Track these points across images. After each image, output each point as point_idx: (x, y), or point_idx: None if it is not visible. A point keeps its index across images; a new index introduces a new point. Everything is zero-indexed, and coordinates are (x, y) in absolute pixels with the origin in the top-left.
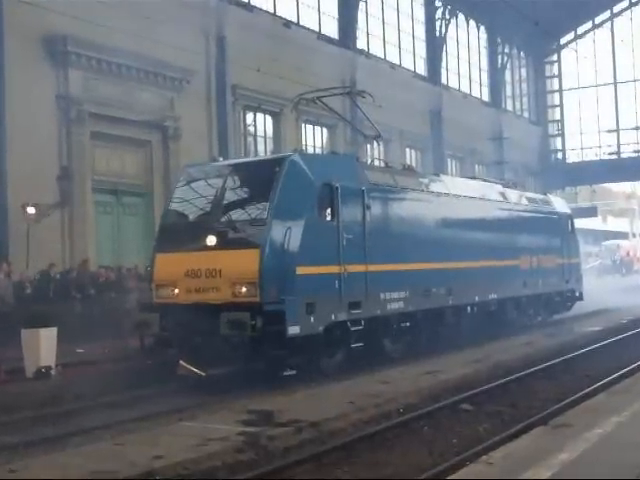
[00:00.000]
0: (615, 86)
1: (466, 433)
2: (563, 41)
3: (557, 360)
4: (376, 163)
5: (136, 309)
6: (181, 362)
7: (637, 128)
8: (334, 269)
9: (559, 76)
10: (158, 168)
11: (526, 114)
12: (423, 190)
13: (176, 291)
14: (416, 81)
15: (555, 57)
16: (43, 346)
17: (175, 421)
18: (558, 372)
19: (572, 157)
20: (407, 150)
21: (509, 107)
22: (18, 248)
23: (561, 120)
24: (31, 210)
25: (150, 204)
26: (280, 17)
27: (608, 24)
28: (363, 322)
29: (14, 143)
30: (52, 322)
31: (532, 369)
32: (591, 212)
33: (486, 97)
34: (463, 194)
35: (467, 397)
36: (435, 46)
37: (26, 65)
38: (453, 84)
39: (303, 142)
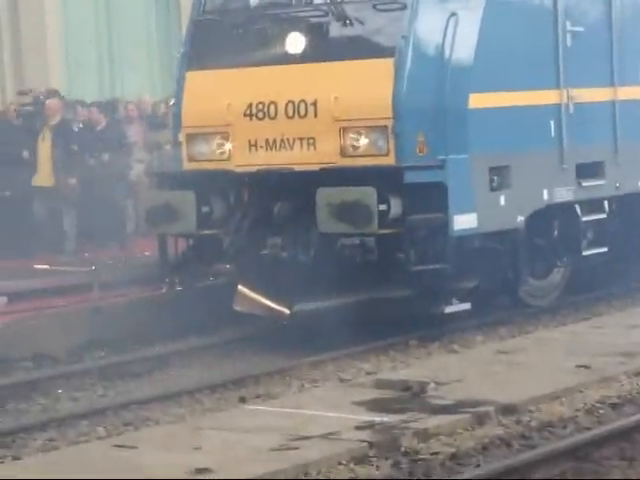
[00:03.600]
0: None
1: None
2: None
3: None
4: None
5: (150, 184)
6: (241, 288)
7: None
8: (548, 97)
9: None
10: None
11: None
12: None
13: (228, 147)
14: None
15: None
16: None
17: (232, 402)
18: None
19: None
20: None
21: None
22: None
23: None
24: None
25: None
26: None
27: None
28: (608, 205)
29: None
30: None
31: None
32: None
33: None
34: None
35: None
36: None
37: None
38: None
39: None
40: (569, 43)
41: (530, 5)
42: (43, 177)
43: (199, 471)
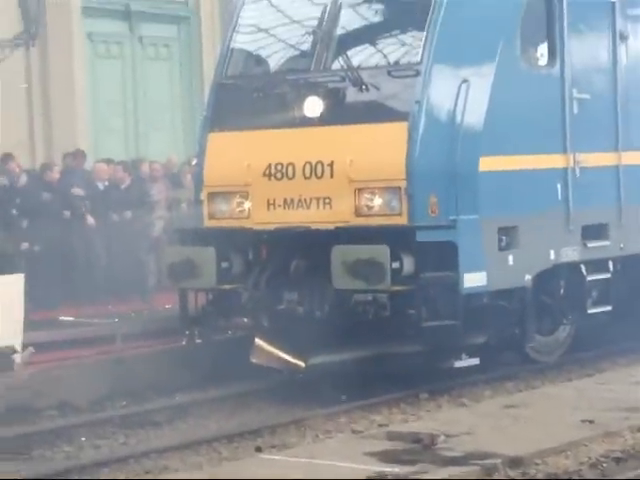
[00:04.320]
0: None
1: None
2: None
3: None
4: None
5: (172, 240)
6: (258, 341)
7: None
8: (555, 161)
9: None
10: None
11: None
12: None
13: (247, 205)
14: None
15: None
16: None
17: (248, 452)
18: None
19: None
20: None
21: None
22: None
23: None
24: None
25: (194, 38)
26: None
27: None
28: (612, 265)
29: None
30: (16, 265)
31: None
32: None
33: None
34: None
35: None
36: None
37: None
38: None
39: None
40: (575, 110)
41: (538, 73)
42: None
43: None
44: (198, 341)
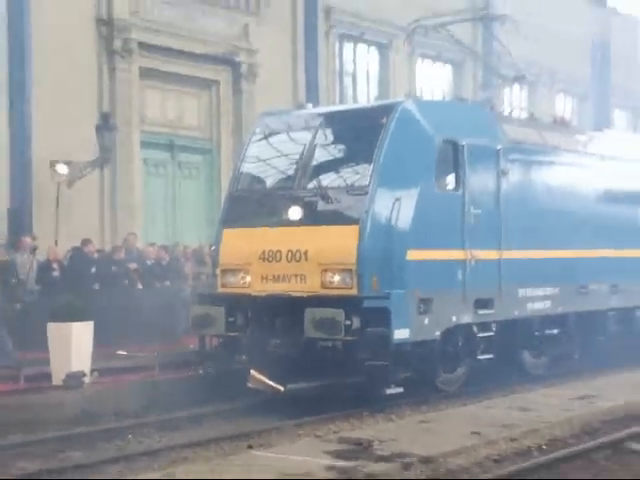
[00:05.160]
0: None
1: None
2: None
3: None
4: (517, 114)
5: (195, 301)
6: (253, 372)
7: None
8: (457, 255)
9: None
10: (226, 116)
11: None
12: (581, 151)
13: (248, 279)
14: (575, 3)
15: None
16: (75, 345)
17: (243, 449)
18: None
19: None
20: (560, 96)
21: None
22: (45, 218)
23: None
24: (62, 169)
25: (215, 164)
26: None
27: None
28: (495, 326)
29: (41, 81)
30: (87, 315)
31: None
32: None
33: None
34: (637, 158)
35: (637, 433)
36: None
37: None
38: (624, 8)
39: (418, 84)
40: (471, 221)
41: (446, 195)
42: None
43: None
44: (210, 371)
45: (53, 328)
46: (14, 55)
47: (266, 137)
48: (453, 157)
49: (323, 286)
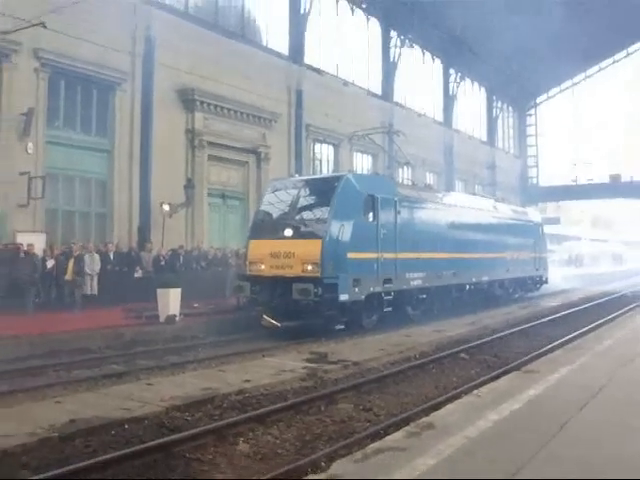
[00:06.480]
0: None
1: (462, 374)
2: (539, 100)
3: (528, 325)
4: (405, 182)
5: (234, 278)
6: (264, 316)
7: (589, 163)
8: (373, 255)
9: (535, 124)
10: (253, 181)
11: (512, 150)
12: (438, 202)
13: (262, 266)
14: (435, 125)
15: (532, 111)
16: (171, 301)
17: (259, 357)
18: (529, 333)
19: (543, 182)
20: (427, 174)
21: (500, 145)
22: (157, 234)
23: (536, 155)
24: (166, 207)
25: (246, 206)
26: (340, 78)
27: (570, 90)
28: (393, 293)
29: (157, 161)
30: (178, 285)
31: (510, 330)
32: (555, 221)
33: (484, 138)
34: (466, 205)
35: (464, 349)
36: (448, 103)
37: (167, 109)
38: (461, 128)
39: (354, 166)
40: (382, 236)
41: (368, 223)
42: None
43: (245, 381)
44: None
45: (160, 292)
46: (143, 149)
47: (273, 192)
48: (372, 203)
49: (303, 271)
